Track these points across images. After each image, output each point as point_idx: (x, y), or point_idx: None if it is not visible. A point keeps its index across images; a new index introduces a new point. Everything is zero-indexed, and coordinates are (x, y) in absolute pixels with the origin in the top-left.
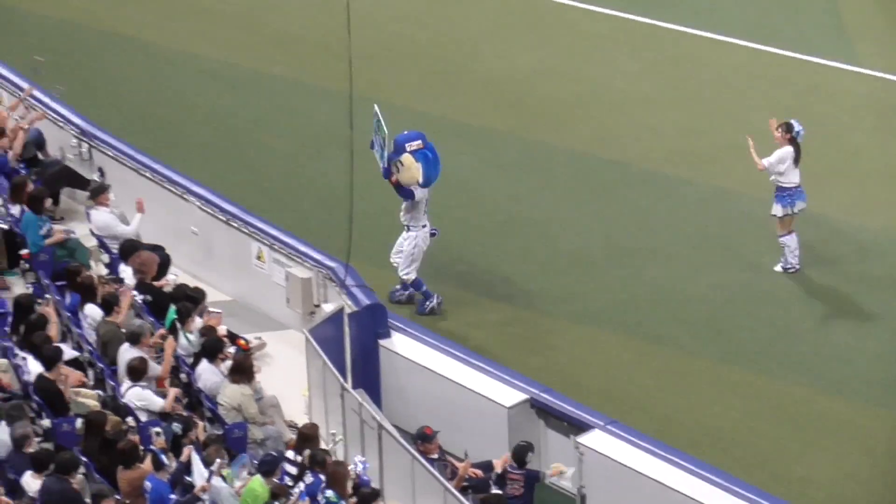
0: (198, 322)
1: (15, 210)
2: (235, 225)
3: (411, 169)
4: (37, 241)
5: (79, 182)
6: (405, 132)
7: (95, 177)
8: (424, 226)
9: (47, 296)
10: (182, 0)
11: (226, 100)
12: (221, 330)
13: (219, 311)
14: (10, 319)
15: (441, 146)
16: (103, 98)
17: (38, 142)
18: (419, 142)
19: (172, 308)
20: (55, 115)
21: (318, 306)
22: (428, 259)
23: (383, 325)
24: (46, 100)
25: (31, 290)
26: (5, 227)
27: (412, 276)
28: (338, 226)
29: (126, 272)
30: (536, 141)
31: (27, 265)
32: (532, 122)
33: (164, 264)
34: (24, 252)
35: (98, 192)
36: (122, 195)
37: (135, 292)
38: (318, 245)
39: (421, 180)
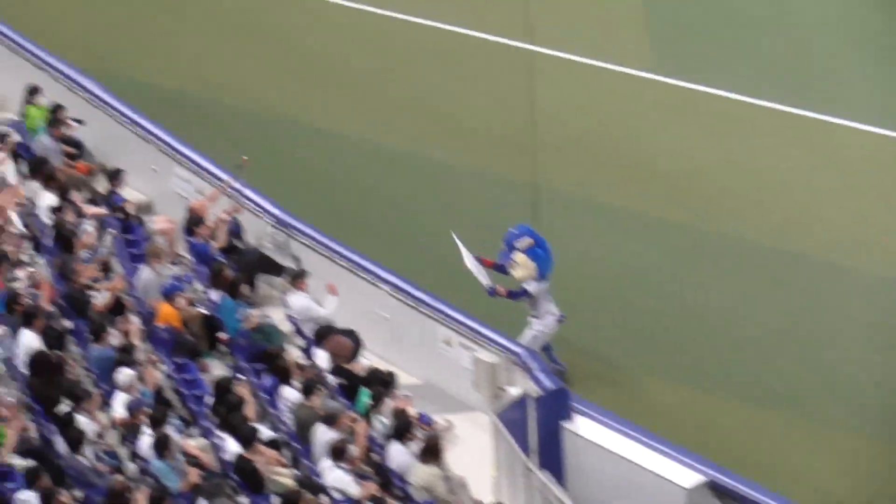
0: (389, 404)
1: (214, 295)
2: (424, 311)
3: (526, 267)
4: (234, 326)
5: (275, 269)
6: (513, 230)
7: (291, 264)
8: (552, 313)
9: (239, 375)
10: (371, 92)
11: (414, 190)
12: (411, 412)
13: (408, 393)
14: (209, 400)
15: (618, 235)
16: (298, 188)
17: (235, 230)
18: (529, 239)
19: (365, 391)
20: (253, 205)
21: (503, 389)
22: (605, 342)
23: (566, 407)
24: (246, 191)
25: (229, 373)
26: (205, 311)
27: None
28: (522, 312)
29: (320, 356)
30: (711, 231)
31: (226, 348)
32: (707, 212)
33: (357, 348)
34: (222, 336)
35: (297, 278)
36: (315, 282)
37: (329, 375)
38: (504, 331)
39: (536, 276)
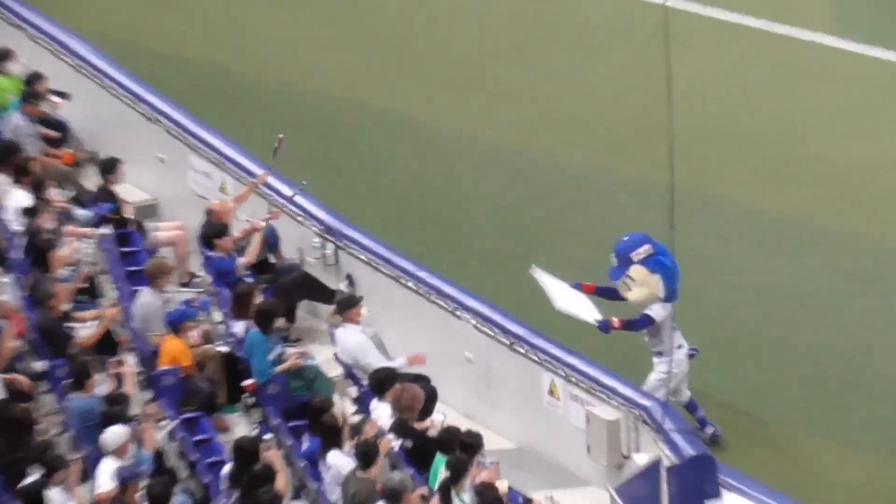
0: (471, 476)
1: (238, 328)
2: (521, 350)
3: (648, 282)
4: (264, 369)
5: (320, 293)
6: (625, 238)
7: (342, 286)
8: (680, 346)
9: (268, 436)
10: (460, 73)
11: (511, 191)
12: (501, 486)
13: (495, 460)
14: (228, 469)
15: (773, 251)
16: (357, 187)
17: (269, 241)
18: (647, 246)
19: (440, 458)
20: (293, 208)
21: (627, 457)
22: (760, 391)
23: (712, 481)
24: (283, 188)
25: (256, 432)
26: (225, 349)
27: None
28: (648, 351)
29: (381, 410)
30: (888, 246)
31: (252, 399)
32: (888, 221)
33: (430, 400)
34: (247, 383)
35: (348, 306)
36: (377, 311)
37: (391, 436)
38: (628, 378)
39: (662, 294)
